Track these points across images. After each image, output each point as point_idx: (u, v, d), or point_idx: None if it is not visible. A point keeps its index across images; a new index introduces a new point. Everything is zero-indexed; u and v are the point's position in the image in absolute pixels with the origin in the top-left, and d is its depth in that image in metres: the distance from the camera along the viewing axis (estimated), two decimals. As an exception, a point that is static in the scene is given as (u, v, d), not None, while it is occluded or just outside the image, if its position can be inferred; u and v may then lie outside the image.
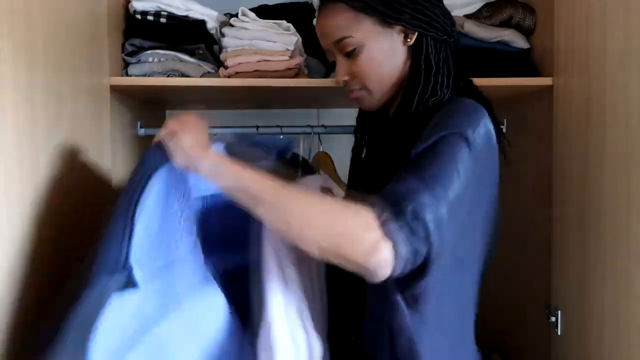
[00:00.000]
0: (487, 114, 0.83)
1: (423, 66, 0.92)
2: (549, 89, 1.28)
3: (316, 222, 0.72)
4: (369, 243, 0.69)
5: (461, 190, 0.75)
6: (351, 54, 0.92)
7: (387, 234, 0.69)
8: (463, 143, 0.78)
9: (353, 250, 0.70)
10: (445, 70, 0.93)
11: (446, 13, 0.95)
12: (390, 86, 0.94)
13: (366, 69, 0.92)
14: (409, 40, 0.92)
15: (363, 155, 1.07)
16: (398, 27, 0.91)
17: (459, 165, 0.76)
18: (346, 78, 0.95)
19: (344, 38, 0.91)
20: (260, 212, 0.75)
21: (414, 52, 0.93)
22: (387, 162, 0.90)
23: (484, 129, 0.81)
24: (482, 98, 0.93)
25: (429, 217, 0.71)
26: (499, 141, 0.87)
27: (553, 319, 1.24)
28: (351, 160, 1.08)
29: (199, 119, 0.86)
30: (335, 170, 1.57)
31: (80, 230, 1.02)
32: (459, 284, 0.84)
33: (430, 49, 0.92)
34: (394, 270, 0.70)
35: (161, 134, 0.84)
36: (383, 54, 0.91)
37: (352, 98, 0.97)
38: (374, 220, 0.69)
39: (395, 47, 0.92)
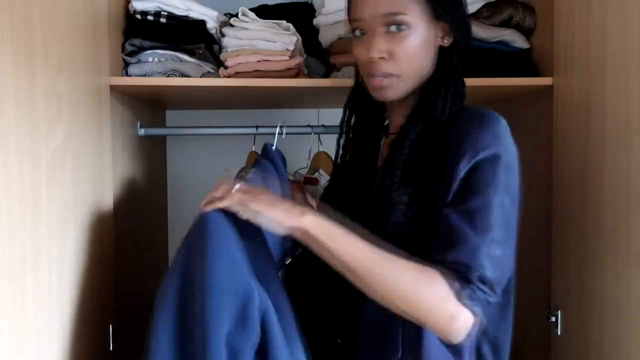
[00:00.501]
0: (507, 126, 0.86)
1: (453, 70, 0.92)
2: (549, 89, 1.28)
3: (400, 297, 0.77)
4: (448, 314, 0.76)
5: (511, 216, 0.83)
6: (397, 34, 0.87)
7: (463, 304, 0.76)
8: (501, 165, 0.82)
9: (435, 322, 0.78)
10: (461, 82, 0.95)
11: (470, 27, 0.97)
12: (418, 79, 0.91)
13: (409, 52, 0.88)
14: (445, 41, 0.92)
15: (352, 150, 1.06)
16: (441, 25, 0.90)
17: (503, 196, 0.81)
18: (385, 56, 0.88)
19: (399, 14, 0.86)
20: (348, 276, 0.80)
21: (440, 56, 0.93)
22: (408, 165, 0.90)
23: (512, 144, 0.85)
24: None
25: (494, 275, 0.78)
26: None
27: (553, 319, 1.24)
28: (336, 155, 1.07)
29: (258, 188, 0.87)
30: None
31: (81, 229, 1.02)
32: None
33: (456, 56, 0.93)
34: (472, 330, 0.78)
35: (229, 203, 0.82)
36: (425, 44, 0.89)
37: (377, 86, 0.91)
38: (449, 291, 0.76)
39: (432, 42, 0.91)
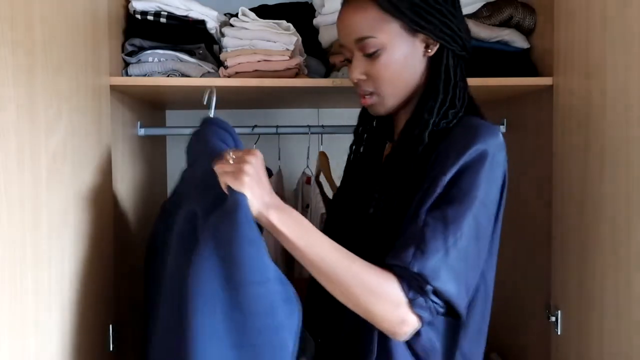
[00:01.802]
0: (501, 135, 0.88)
1: (443, 77, 0.92)
2: (549, 88, 1.28)
3: (356, 298, 0.81)
4: (399, 319, 0.80)
5: (484, 228, 0.84)
6: (371, 55, 0.90)
7: (414, 311, 0.80)
8: (486, 167, 0.83)
9: (386, 325, 0.81)
10: (463, 85, 0.95)
11: (467, 30, 0.96)
12: (403, 94, 0.94)
13: (383, 72, 0.91)
14: (429, 51, 0.92)
15: (359, 156, 1.08)
16: (421, 36, 0.91)
17: (480, 207, 0.83)
18: (362, 77, 0.93)
19: (368, 37, 0.89)
20: (313, 270, 0.82)
21: (432, 65, 0.93)
22: (394, 168, 0.92)
23: (503, 151, 0.87)
24: (479, 112, 0.98)
25: (451, 290, 0.80)
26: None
27: (553, 318, 1.24)
28: (348, 158, 1.09)
29: (259, 158, 0.84)
30: (330, 170, 1.58)
31: (81, 229, 1.02)
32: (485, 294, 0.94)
33: (449, 62, 0.93)
34: (415, 330, 0.83)
35: (227, 169, 0.82)
36: (403, 60, 0.91)
37: (364, 104, 0.97)
38: (403, 298, 0.80)
39: (415, 56, 0.92)
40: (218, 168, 0.83)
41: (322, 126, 1.49)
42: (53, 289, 0.90)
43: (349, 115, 1.86)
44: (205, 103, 1.06)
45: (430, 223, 0.81)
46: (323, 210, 1.47)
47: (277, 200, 0.83)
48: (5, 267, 0.75)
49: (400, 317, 0.80)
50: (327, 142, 1.60)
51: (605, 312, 1.05)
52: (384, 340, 0.87)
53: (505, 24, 1.37)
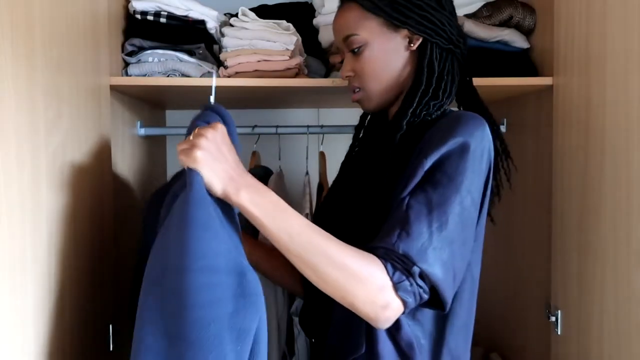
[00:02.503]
0: (487, 126, 0.87)
1: (425, 70, 0.93)
2: (549, 88, 1.28)
3: (335, 282, 0.76)
4: (383, 303, 0.77)
5: (469, 217, 0.83)
6: (356, 52, 0.95)
7: (398, 295, 0.77)
8: (469, 157, 0.82)
9: (367, 309, 0.77)
10: (449, 78, 0.95)
11: (453, 23, 0.97)
12: (388, 88, 0.96)
13: (366, 67, 0.95)
14: (412, 45, 0.94)
15: (354, 152, 1.10)
16: (403, 31, 0.94)
17: (465, 194, 0.81)
18: (350, 74, 0.98)
19: (351, 35, 0.95)
20: (285, 253, 0.78)
21: (417, 59, 0.95)
22: (381, 161, 0.93)
23: (486, 140, 0.86)
24: (484, 110, 0.98)
25: (436, 274, 0.78)
26: (502, 149, 0.99)
27: (553, 318, 1.24)
28: (345, 156, 1.11)
29: (223, 131, 0.80)
30: (326, 170, 1.58)
31: (81, 229, 1.02)
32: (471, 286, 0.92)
33: (434, 55, 0.94)
34: (398, 317, 0.80)
35: (184, 147, 0.77)
36: (385, 55, 0.94)
37: (353, 100, 1.01)
38: (388, 281, 0.77)
39: (398, 50, 0.95)
40: (178, 146, 0.78)
41: (322, 126, 1.49)
42: (53, 289, 0.90)
43: (349, 115, 1.85)
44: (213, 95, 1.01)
45: (414, 206, 0.80)
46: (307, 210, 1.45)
47: (247, 178, 0.78)
48: (5, 267, 0.75)
49: (384, 301, 0.76)
50: (327, 142, 1.60)
51: (605, 312, 1.05)
52: (372, 335, 0.85)
53: (505, 24, 1.37)
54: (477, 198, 0.85)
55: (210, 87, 1.27)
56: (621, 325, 1.00)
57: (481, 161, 0.85)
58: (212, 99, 0.96)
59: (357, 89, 0.98)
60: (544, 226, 1.31)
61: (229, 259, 0.73)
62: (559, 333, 1.23)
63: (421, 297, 0.79)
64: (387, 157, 0.90)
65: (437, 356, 0.88)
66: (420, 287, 0.78)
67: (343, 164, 1.12)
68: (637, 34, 0.95)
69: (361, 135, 1.10)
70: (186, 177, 0.74)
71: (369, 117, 1.10)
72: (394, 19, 0.92)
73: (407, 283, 0.77)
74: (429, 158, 0.83)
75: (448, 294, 0.80)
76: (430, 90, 0.92)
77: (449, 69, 0.95)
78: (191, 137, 0.77)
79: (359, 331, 0.86)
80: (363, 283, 0.76)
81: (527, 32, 1.39)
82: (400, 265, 0.77)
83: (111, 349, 1.16)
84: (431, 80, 0.93)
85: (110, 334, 1.16)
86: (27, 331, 0.81)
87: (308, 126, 1.46)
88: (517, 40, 1.36)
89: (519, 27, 1.38)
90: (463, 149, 0.82)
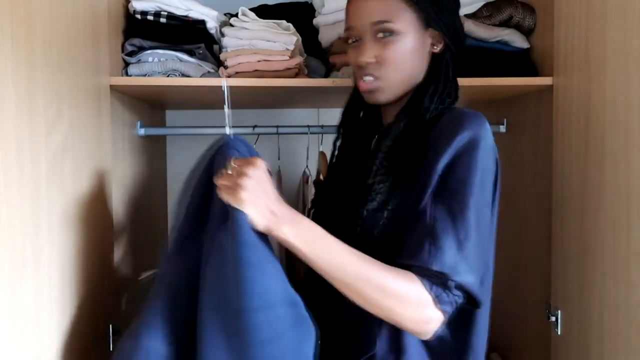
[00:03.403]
0: (487, 123, 0.88)
1: (442, 75, 0.95)
2: (549, 88, 1.28)
3: (381, 303, 0.80)
4: (426, 318, 0.81)
5: (485, 217, 0.85)
6: (385, 38, 0.92)
7: (439, 308, 0.80)
8: (479, 154, 0.84)
9: (413, 326, 0.81)
10: (455, 84, 0.98)
11: (464, 34, 1.00)
12: (404, 84, 0.95)
13: (393, 57, 0.92)
14: (435, 48, 0.95)
15: (346, 147, 1.07)
16: (431, 32, 0.94)
17: (479, 196, 0.83)
18: (372, 60, 0.93)
19: (386, 22, 0.91)
20: (330, 279, 0.80)
21: (432, 62, 0.96)
22: (388, 156, 0.92)
23: (490, 139, 0.87)
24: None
25: (469, 281, 0.81)
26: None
27: (553, 318, 1.24)
28: (332, 154, 1.10)
29: (263, 167, 0.79)
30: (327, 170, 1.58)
31: (81, 229, 1.02)
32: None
33: (449, 62, 0.96)
34: (440, 326, 0.83)
35: (225, 182, 0.77)
36: (412, 50, 0.93)
37: (365, 89, 0.96)
38: (428, 297, 0.80)
39: (422, 49, 0.95)
40: (217, 180, 0.79)
41: (322, 126, 1.49)
42: (53, 289, 0.90)
43: (349, 115, 1.86)
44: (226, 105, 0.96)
45: (438, 218, 0.82)
46: None
47: (286, 211, 0.79)
48: (6, 267, 0.75)
49: (427, 316, 0.80)
50: (327, 142, 1.60)
51: (605, 312, 1.05)
52: (395, 333, 0.86)
53: (505, 24, 1.37)
54: (489, 197, 0.86)
55: (210, 87, 1.27)
56: (621, 325, 1.00)
57: (489, 158, 0.86)
58: (227, 130, 0.90)
59: (373, 77, 0.94)
60: (544, 226, 1.31)
61: (281, 292, 0.76)
62: (559, 333, 1.23)
63: (457, 303, 0.83)
64: (410, 149, 0.90)
65: (461, 353, 0.89)
66: (457, 295, 0.82)
67: (333, 164, 1.10)
68: (637, 34, 0.95)
69: (351, 131, 1.08)
70: (231, 215, 0.75)
71: (361, 112, 1.07)
72: (429, 18, 0.92)
73: (445, 295, 0.80)
74: (441, 161, 0.84)
75: (481, 293, 0.84)
76: (445, 93, 0.95)
77: (453, 76, 0.97)
78: (229, 171, 0.78)
79: (371, 328, 0.87)
80: (406, 302, 0.80)
81: (527, 32, 1.39)
82: (437, 280, 0.80)
83: (111, 349, 1.16)
84: (446, 85, 0.95)
85: (110, 334, 1.16)
86: (27, 331, 0.81)
87: (309, 126, 1.46)
88: (517, 40, 1.36)
89: (519, 27, 1.38)
90: (471, 148, 0.84)
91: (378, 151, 0.94)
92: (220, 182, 0.78)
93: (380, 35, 0.92)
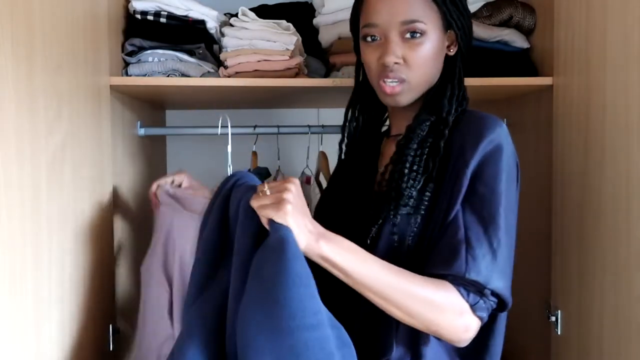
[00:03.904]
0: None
1: (457, 75, 0.96)
2: (549, 88, 1.28)
3: (419, 315, 0.80)
4: (464, 327, 0.81)
5: (511, 217, 0.86)
6: (413, 40, 0.89)
7: (476, 315, 0.81)
8: (504, 160, 0.85)
9: (450, 335, 0.81)
10: (464, 87, 0.98)
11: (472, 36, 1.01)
12: (425, 87, 0.94)
13: (421, 60, 0.90)
14: (450, 50, 0.96)
15: (354, 149, 1.07)
16: (450, 34, 0.95)
17: (506, 202, 0.84)
18: (400, 61, 0.90)
19: (417, 21, 0.89)
20: (368, 293, 0.80)
21: (446, 64, 0.96)
22: (415, 160, 0.91)
23: (512, 144, 0.88)
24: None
25: (502, 286, 0.82)
26: None
27: (553, 318, 1.24)
28: (339, 156, 1.09)
29: (298, 186, 0.78)
30: (329, 170, 1.58)
31: (81, 229, 1.02)
32: None
33: (460, 64, 0.97)
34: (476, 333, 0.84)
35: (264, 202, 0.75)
36: (436, 50, 0.92)
37: (389, 92, 0.92)
38: (465, 305, 0.80)
39: (442, 51, 0.95)
40: (255, 202, 0.76)
41: (323, 126, 1.49)
42: (53, 289, 0.90)
43: (349, 115, 1.86)
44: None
45: (470, 227, 0.83)
46: None
47: (320, 228, 0.78)
48: (6, 267, 0.75)
49: (465, 324, 0.81)
50: (327, 142, 1.60)
51: (605, 312, 1.05)
52: (412, 338, 0.86)
53: (505, 23, 1.37)
54: (513, 202, 0.87)
55: (210, 87, 1.27)
56: (621, 325, 1.00)
57: (512, 163, 0.87)
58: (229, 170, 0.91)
59: (401, 80, 0.91)
60: (544, 226, 1.31)
61: (326, 312, 0.74)
62: (559, 333, 1.23)
63: (492, 309, 0.84)
64: (437, 151, 0.89)
65: (479, 357, 0.90)
66: (492, 301, 0.83)
67: (339, 166, 1.09)
68: (637, 34, 0.95)
69: (359, 133, 1.06)
70: (274, 233, 0.73)
71: (368, 115, 1.06)
72: (452, 19, 0.92)
73: (481, 302, 0.81)
74: (469, 166, 0.84)
75: (509, 296, 0.84)
76: (461, 95, 0.95)
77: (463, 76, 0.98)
78: (266, 191, 0.76)
79: (389, 330, 0.87)
80: (446, 312, 0.80)
81: (527, 32, 1.39)
82: (473, 288, 0.81)
83: (111, 348, 1.16)
84: (461, 86, 0.96)
85: (110, 334, 1.16)
86: (27, 331, 0.81)
87: (309, 126, 1.46)
88: (517, 40, 1.36)
89: (519, 27, 1.38)
90: (497, 154, 0.85)
91: (402, 153, 0.91)
92: (260, 202, 0.76)
93: (408, 35, 0.89)
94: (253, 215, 0.76)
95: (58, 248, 0.92)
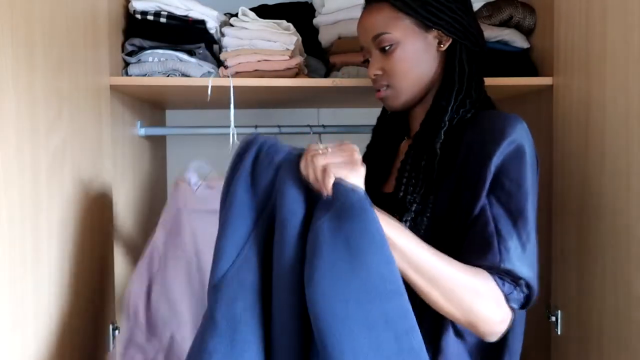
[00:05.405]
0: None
1: (457, 69, 0.95)
2: (549, 88, 1.28)
3: (459, 300, 0.77)
4: (500, 318, 0.80)
5: (535, 215, 0.85)
6: (386, 50, 0.95)
7: (509, 306, 0.81)
8: (527, 160, 0.85)
9: (486, 326, 0.79)
10: (478, 79, 0.98)
11: (479, 28, 1.00)
12: (417, 88, 0.97)
13: (398, 66, 0.95)
14: (442, 46, 0.96)
15: (374, 150, 1.08)
16: (434, 32, 0.95)
17: (532, 197, 0.84)
18: (378, 72, 0.97)
19: (383, 34, 0.95)
20: (411, 275, 0.76)
21: (447, 59, 0.97)
22: (419, 154, 0.93)
23: (533, 144, 0.89)
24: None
25: (532, 277, 0.82)
26: None
27: (553, 318, 1.24)
28: (363, 156, 1.08)
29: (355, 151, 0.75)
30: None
31: (81, 229, 1.02)
32: None
33: (463, 56, 0.96)
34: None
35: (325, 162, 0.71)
36: (416, 54, 0.95)
37: (378, 97, 1.00)
38: (501, 296, 0.80)
39: (428, 50, 0.96)
40: (321, 159, 0.71)
41: (323, 126, 1.49)
42: (53, 289, 0.90)
43: (349, 115, 1.86)
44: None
45: (500, 220, 0.83)
46: None
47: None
48: (6, 267, 0.75)
49: (501, 316, 0.80)
50: (327, 142, 1.60)
51: (605, 312, 1.05)
52: (433, 333, 0.85)
53: (505, 23, 1.37)
54: (536, 199, 0.87)
55: (211, 88, 1.27)
56: (621, 325, 1.00)
57: (534, 161, 0.88)
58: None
59: (385, 87, 0.98)
60: (544, 226, 1.31)
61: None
62: (559, 333, 1.23)
63: (522, 301, 0.83)
64: (433, 153, 0.90)
65: (498, 354, 0.90)
66: (525, 293, 0.83)
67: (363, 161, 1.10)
68: (637, 34, 0.95)
69: (380, 135, 1.09)
70: (347, 195, 0.67)
71: (389, 117, 1.08)
72: (426, 20, 0.94)
73: (515, 293, 0.81)
74: (492, 162, 0.84)
75: (537, 289, 0.84)
76: (464, 89, 0.95)
77: (476, 70, 0.98)
78: (327, 149, 0.73)
79: None
80: (485, 300, 0.78)
81: (527, 32, 1.39)
82: (508, 278, 0.81)
83: (111, 349, 1.16)
84: (463, 80, 0.95)
85: (110, 334, 1.16)
86: (27, 331, 0.81)
87: (310, 126, 1.46)
88: (517, 40, 1.36)
89: (519, 27, 1.38)
90: (520, 151, 0.85)
91: (405, 161, 0.94)
92: (328, 159, 0.70)
93: (383, 47, 0.95)
94: (300, 180, 0.71)
95: (58, 248, 0.92)
